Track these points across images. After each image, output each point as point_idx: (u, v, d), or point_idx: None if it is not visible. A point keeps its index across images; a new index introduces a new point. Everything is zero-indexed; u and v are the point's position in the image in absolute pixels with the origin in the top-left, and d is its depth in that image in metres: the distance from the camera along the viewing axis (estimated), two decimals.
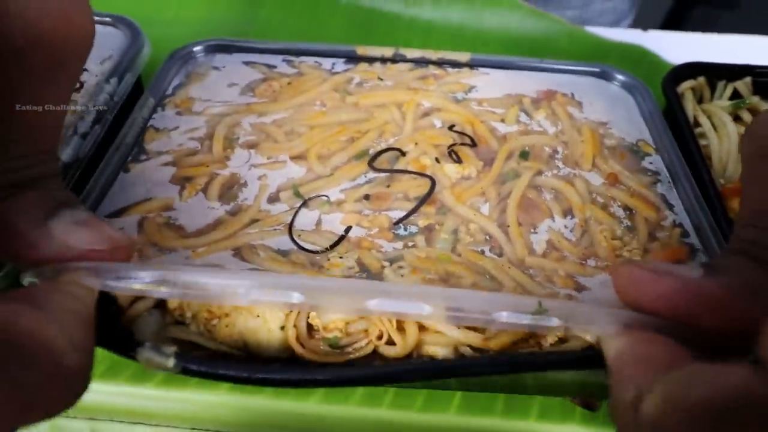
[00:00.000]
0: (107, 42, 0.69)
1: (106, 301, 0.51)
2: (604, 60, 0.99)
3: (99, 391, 0.58)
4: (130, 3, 0.87)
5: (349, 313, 0.45)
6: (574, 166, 0.61)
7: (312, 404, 0.62)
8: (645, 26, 1.14)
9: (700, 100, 0.75)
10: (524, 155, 0.61)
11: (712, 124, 0.69)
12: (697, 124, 0.70)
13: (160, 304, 0.51)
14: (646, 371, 0.24)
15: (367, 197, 0.55)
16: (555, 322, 0.26)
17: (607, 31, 1.06)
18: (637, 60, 1.01)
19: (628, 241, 0.53)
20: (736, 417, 0.19)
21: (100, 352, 0.58)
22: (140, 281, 0.37)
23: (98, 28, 0.70)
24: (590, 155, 0.62)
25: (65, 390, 0.27)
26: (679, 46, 1.03)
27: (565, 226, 0.54)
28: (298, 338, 0.48)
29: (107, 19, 0.70)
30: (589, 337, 0.45)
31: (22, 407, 0.23)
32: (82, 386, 0.29)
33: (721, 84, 0.76)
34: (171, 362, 0.43)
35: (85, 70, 0.66)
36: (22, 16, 0.32)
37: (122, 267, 0.37)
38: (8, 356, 0.23)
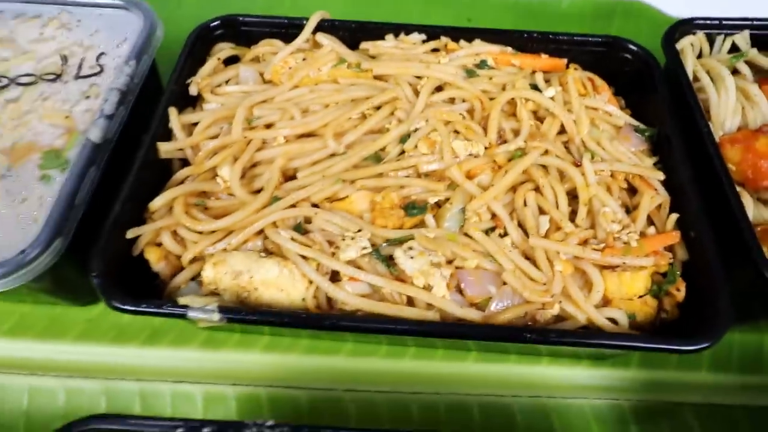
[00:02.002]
0: (121, 26, 0.70)
1: (150, 276, 0.56)
2: (608, 18, 1.01)
3: (144, 356, 0.63)
4: None
5: None
6: (580, 145, 0.62)
7: (341, 358, 0.67)
8: None
9: (699, 55, 0.76)
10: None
11: (711, 79, 0.71)
12: (696, 79, 0.72)
13: (195, 277, 0.55)
14: None
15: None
16: None
17: None
18: (638, 15, 1.01)
19: (627, 224, 0.55)
20: None
21: (141, 321, 0.63)
22: None
23: (112, 12, 0.73)
24: (597, 138, 0.63)
25: None
26: (677, 0, 1.04)
27: (569, 207, 0.56)
28: (318, 307, 0.53)
29: (120, 2, 0.71)
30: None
31: None
32: None
33: (719, 38, 0.76)
34: (216, 316, 0.48)
35: (103, 53, 0.69)
36: None
37: None
38: None
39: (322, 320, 0.49)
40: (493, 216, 0.56)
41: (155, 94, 0.70)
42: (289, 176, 0.60)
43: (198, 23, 0.73)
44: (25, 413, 0.61)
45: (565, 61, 0.72)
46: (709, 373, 0.63)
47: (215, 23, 0.71)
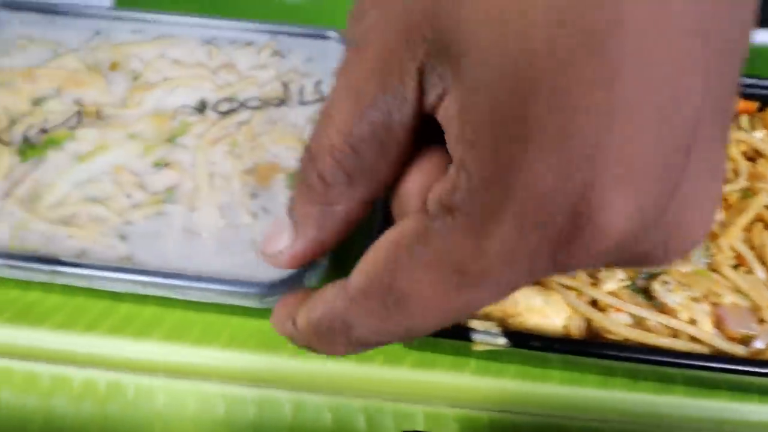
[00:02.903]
0: (333, 54, 0.74)
1: None
2: (755, 61, 1.04)
3: (360, 373, 0.65)
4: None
5: None
6: None
7: (551, 386, 0.67)
8: None
9: None
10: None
11: None
12: None
13: None
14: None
15: None
16: None
17: None
18: None
19: None
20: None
21: None
22: None
23: (321, 41, 0.77)
24: None
25: None
26: None
27: None
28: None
29: (332, 33, 0.75)
30: None
31: None
32: None
33: None
34: (501, 340, 0.49)
35: (320, 81, 0.72)
36: None
37: None
38: None
39: (611, 349, 0.51)
40: (735, 254, 0.58)
41: None
42: None
43: None
44: (252, 424, 0.63)
45: (757, 104, 0.74)
46: None
47: None
